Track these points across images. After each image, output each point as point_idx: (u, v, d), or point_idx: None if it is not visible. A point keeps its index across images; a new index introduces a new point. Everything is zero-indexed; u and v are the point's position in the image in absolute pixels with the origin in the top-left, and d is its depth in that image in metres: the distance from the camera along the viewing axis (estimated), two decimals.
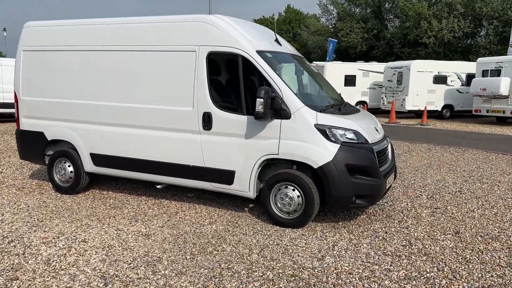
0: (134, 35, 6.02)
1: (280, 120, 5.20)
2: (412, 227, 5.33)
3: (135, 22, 6.06)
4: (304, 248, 4.64)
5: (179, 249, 4.59)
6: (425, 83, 20.20)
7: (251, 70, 5.35)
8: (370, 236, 5.01)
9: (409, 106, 20.17)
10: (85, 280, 3.90)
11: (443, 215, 5.81)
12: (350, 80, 23.10)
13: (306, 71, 6.47)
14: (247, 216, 5.70)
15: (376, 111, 22.86)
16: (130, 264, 4.23)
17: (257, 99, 4.96)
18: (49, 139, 6.72)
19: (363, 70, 23.32)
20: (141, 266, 4.18)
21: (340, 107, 5.81)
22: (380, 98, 22.19)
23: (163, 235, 5.01)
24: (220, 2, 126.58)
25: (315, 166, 5.07)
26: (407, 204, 6.30)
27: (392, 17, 42.84)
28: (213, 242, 4.80)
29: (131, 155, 6.13)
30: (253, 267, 4.17)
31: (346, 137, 5.15)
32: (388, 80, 21.41)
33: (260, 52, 5.36)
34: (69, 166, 6.67)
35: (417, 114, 20.96)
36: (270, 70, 5.24)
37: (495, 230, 5.25)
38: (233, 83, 5.59)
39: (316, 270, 4.12)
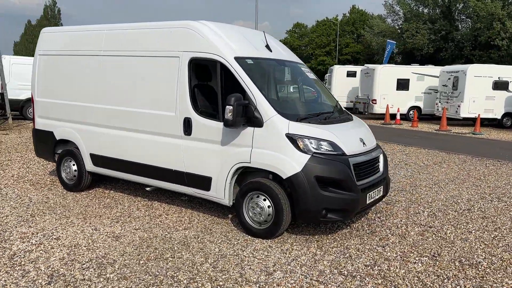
0: (126, 40, 6.22)
1: (253, 128, 5.10)
2: (389, 246, 4.99)
3: (127, 28, 6.26)
4: (260, 261, 4.51)
5: (138, 253, 4.66)
6: (483, 89, 18.76)
7: (228, 76, 5.30)
8: (338, 253, 4.76)
9: (464, 113, 18.86)
10: (33, 277, 4.09)
11: (433, 235, 5.37)
12: (403, 84, 22.09)
13: (298, 78, 6.29)
14: (226, 223, 5.66)
15: (432, 118, 21.73)
16: (83, 264, 4.37)
17: (226, 106, 4.91)
18: (57, 138, 7.12)
19: (418, 73, 22.18)
20: (92, 267, 4.30)
21: (329, 116, 5.58)
22: (435, 103, 20.98)
23: (132, 237, 5.11)
24: (286, 4, 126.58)
25: (284, 177, 4.91)
26: (401, 221, 5.90)
27: (464, 17, 40.45)
28: (176, 248, 4.81)
29: (123, 157, 6.33)
30: (197, 277, 4.13)
31: (319, 148, 4.94)
32: (443, 85, 20.18)
33: (238, 59, 5.29)
34: (73, 165, 7.02)
35: (474, 121, 19.56)
36: (245, 76, 5.16)
37: (481, 255, 4.77)
38: (212, 89, 5.58)
39: (257, 285, 3.99)
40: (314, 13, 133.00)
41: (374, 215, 6.13)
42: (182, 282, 4.03)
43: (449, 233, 5.48)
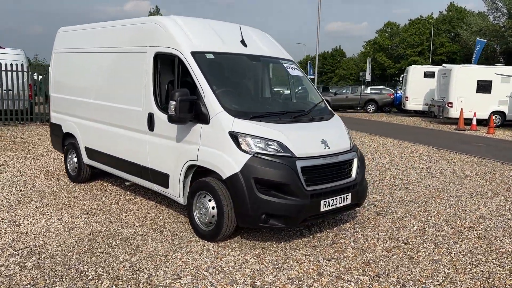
0: (106, 37, 6.39)
1: (201, 124, 4.90)
2: (336, 261, 4.45)
3: (109, 25, 6.40)
4: (182, 264, 4.29)
5: (73, 246, 4.70)
6: None
7: (185, 71, 5.15)
8: (272, 262, 4.35)
9: None
10: None
11: (401, 253, 4.70)
12: (484, 87, 19.92)
13: (275, 74, 5.92)
14: (185, 222, 5.50)
15: None
16: (15, 251, 4.52)
17: (170, 101, 4.77)
18: (64, 131, 7.54)
19: (502, 75, 19.83)
20: (20, 255, 4.42)
21: (293, 115, 5.16)
22: None
23: (84, 230, 5.19)
24: (387, 4, 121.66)
25: (224, 177, 4.63)
26: (377, 234, 5.26)
27: None
28: (113, 244, 4.78)
29: (106, 151, 6.50)
30: (104, 274, 4.04)
31: (264, 148, 4.57)
32: None
33: (196, 53, 5.11)
34: (75, 157, 7.38)
35: None
36: (198, 71, 4.96)
37: (438, 281, 4.02)
38: (172, 84, 5.46)
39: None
40: (409, 12, 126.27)
41: (352, 225, 5.54)
42: (86, 277, 3.97)
43: (423, 252, 4.74)
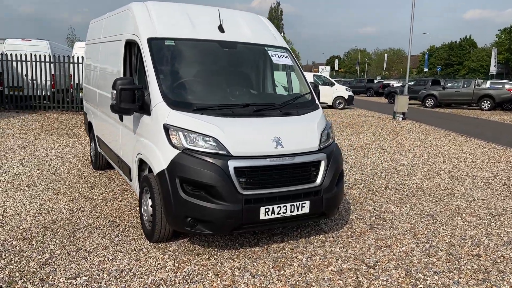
0: (103, 27, 6.40)
1: (146, 116, 4.59)
2: (232, 277, 3.77)
3: (112, 14, 6.38)
4: (93, 263, 4.04)
5: (21, 232, 4.76)
6: None
7: (142, 58, 4.87)
8: (175, 271, 3.87)
9: None
10: None
11: (315, 275, 3.81)
12: None
13: (250, 62, 5.32)
14: None
15: None
16: None
17: (112, 90, 4.54)
18: (88, 120, 7.86)
19: None
20: None
21: (257, 108, 4.55)
22: None
23: (51, 216, 5.26)
24: None
25: (154, 173, 4.26)
26: (317, 249, 4.38)
27: None
28: (58, 234, 4.73)
29: (104, 139, 6.58)
30: (14, 264, 3.98)
31: (196, 144, 4.08)
32: None
33: (153, 39, 4.79)
34: (93, 145, 7.65)
35: None
36: (149, 58, 4.63)
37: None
38: (134, 72, 5.22)
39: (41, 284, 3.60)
40: None
41: (326, 237, 4.72)
42: (1, 263, 3.95)
43: (381, 280, 3.78)
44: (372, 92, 41.04)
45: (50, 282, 3.65)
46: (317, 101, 5.13)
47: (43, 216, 5.25)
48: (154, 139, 4.33)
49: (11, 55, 15.25)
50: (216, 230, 4.05)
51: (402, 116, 17.96)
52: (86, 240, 4.55)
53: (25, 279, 3.69)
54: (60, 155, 8.66)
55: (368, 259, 4.24)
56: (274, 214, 4.12)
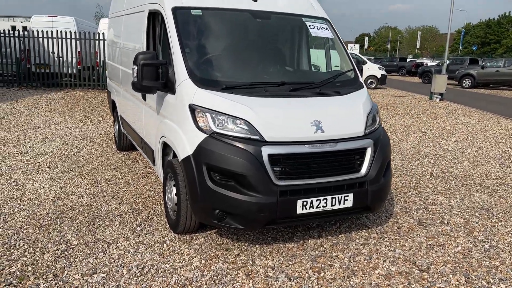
0: None
1: (171, 95, 4.13)
2: (266, 279, 3.32)
3: None
4: (112, 257, 3.67)
5: (38, 218, 4.44)
6: None
7: (166, 30, 4.39)
8: (200, 269, 3.45)
9: None
10: None
11: (360, 279, 3.31)
12: None
13: (287, 34, 4.76)
14: None
15: None
16: None
17: (133, 66, 4.09)
18: (111, 99, 7.49)
19: None
20: None
21: (294, 87, 4.02)
22: None
23: (70, 201, 4.93)
24: None
25: (179, 160, 3.82)
26: (360, 248, 3.87)
27: None
28: (77, 221, 4.39)
29: (126, 119, 6.20)
30: (28, 255, 3.65)
31: (225, 127, 3.61)
32: None
33: (178, 9, 4.29)
34: (117, 125, 7.29)
35: None
36: (174, 30, 4.15)
37: None
38: (158, 46, 4.75)
39: (56, 279, 3.25)
40: None
41: (370, 233, 4.22)
42: (10, 255, 3.62)
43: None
44: (404, 72, 39.56)
45: (64, 279, 3.29)
46: (361, 79, 4.55)
47: (62, 201, 4.92)
48: (179, 121, 3.88)
49: (37, 31, 15.06)
50: (247, 224, 3.60)
51: (439, 96, 17.02)
52: (106, 230, 4.19)
53: (37, 274, 3.34)
54: (84, 135, 8.37)
55: (420, 261, 3.72)
56: (313, 208, 3.63)
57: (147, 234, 4.12)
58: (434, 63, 36.23)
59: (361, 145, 3.86)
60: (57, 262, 3.54)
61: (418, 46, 75.28)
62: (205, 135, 3.60)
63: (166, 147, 4.38)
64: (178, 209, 3.93)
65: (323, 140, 3.70)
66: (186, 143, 3.70)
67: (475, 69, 25.68)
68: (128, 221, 4.40)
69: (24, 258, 3.58)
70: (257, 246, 3.92)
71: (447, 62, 19.38)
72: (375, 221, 4.57)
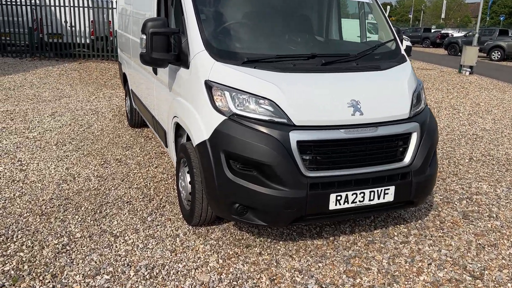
0: None
1: (184, 69, 3.61)
2: (292, 284, 2.86)
3: None
4: (118, 253, 3.25)
5: (40, 205, 4.05)
6: None
7: None
8: (218, 271, 3.00)
9: None
10: None
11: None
12: None
13: (314, 2, 4.15)
14: None
15: None
16: None
17: (141, 35, 3.57)
18: (123, 71, 7.00)
19: None
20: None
21: (326, 60, 3.45)
22: None
23: (76, 185, 4.52)
24: None
25: (194, 145, 3.33)
26: (400, 247, 3.37)
27: None
28: (82, 208, 3.99)
29: (138, 94, 5.74)
30: (26, 250, 3.26)
31: (248, 108, 3.09)
32: None
33: None
34: (128, 100, 6.83)
35: None
36: None
37: None
38: (170, 13, 4.20)
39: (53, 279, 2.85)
40: None
41: (410, 229, 3.72)
42: (6, 249, 3.24)
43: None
44: (428, 43, 38.03)
45: (63, 281, 2.88)
46: (403, 51, 3.95)
47: (68, 184, 4.52)
48: (193, 99, 3.37)
49: (50, 0, 14.53)
50: (271, 221, 3.12)
51: (469, 70, 16.08)
52: (114, 219, 3.78)
53: (34, 274, 2.95)
54: (95, 109, 7.94)
55: (470, 265, 3.22)
56: (348, 203, 3.12)
57: (158, 225, 3.69)
58: (460, 34, 34.64)
59: (406, 129, 3.31)
60: (57, 259, 3.14)
61: (443, 16, 72.37)
62: (223, 117, 3.09)
63: (179, 128, 3.90)
64: (192, 199, 3.47)
65: (361, 124, 3.16)
66: (202, 126, 3.20)
67: (505, 41, 24.37)
68: (138, 209, 3.98)
69: (21, 254, 3.19)
70: (281, 243, 3.45)
71: (477, 33, 18.24)
72: (413, 214, 4.05)
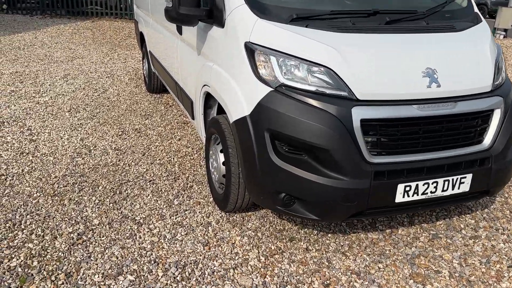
0: None
1: (217, 28, 3.02)
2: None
3: None
4: (143, 246, 2.80)
5: (53, 183, 3.60)
6: None
7: None
8: (259, 273, 2.53)
9: None
10: None
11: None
12: None
13: None
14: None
15: None
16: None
17: None
18: (139, 30, 6.39)
19: None
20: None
21: (390, 18, 2.81)
22: None
23: (93, 159, 4.06)
24: None
25: (230, 120, 2.79)
26: (471, 242, 2.85)
27: None
28: (100, 188, 3.53)
29: (158, 57, 5.16)
30: (36, 240, 2.82)
31: (298, 77, 2.51)
32: None
33: None
34: (146, 63, 6.26)
35: None
36: None
37: None
38: None
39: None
40: None
41: (477, 219, 3.18)
42: (12, 239, 2.80)
43: None
44: None
45: (79, 282, 2.44)
46: (475, 9, 3.27)
47: (83, 158, 4.05)
48: (230, 66, 2.79)
49: None
50: (324, 216, 2.61)
51: (503, 33, 14.99)
52: (136, 202, 3.31)
53: (45, 272, 2.51)
54: (110, 72, 7.39)
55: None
56: (418, 195, 2.59)
57: (186, 210, 3.22)
58: None
59: (489, 105, 2.71)
60: (72, 252, 2.69)
61: None
62: (268, 89, 2.52)
63: (209, 98, 3.35)
64: (227, 183, 2.97)
65: (438, 98, 2.57)
66: (241, 98, 2.64)
67: None
68: (163, 190, 3.50)
69: (30, 245, 2.75)
70: (329, 235, 2.96)
71: None
72: (477, 201, 3.50)
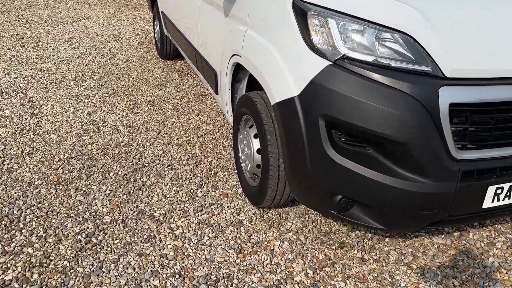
0: None
1: None
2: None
3: None
4: (164, 252, 2.32)
5: (56, 167, 3.11)
6: None
7: None
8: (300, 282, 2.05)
9: None
10: None
11: None
12: None
13: None
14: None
15: None
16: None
17: None
18: None
19: None
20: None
21: None
22: None
23: (102, 137, 3.55)
24: None
25: (271, 101, 2.23)
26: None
27: None
28: (110, 175, 3.04)
29: (172, 19, 4.54)
30: (51, 252, 2.36)
31: (364, 47, 1.93)
32: None
33: None
34: (158, 25, 5.64)
35: None
36: None
37: None
38: None
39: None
40: None
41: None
42: (15, 242, 2.34)
43: None
44: None
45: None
46: None
47: (91, 137, 3.54)
48: (271, 31, 2.21)
49: None
50: (393, 225, 2.09)
51: None
52: (153, 193, 2.82)
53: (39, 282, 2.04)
54: (118, 34, 6.77)
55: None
56: (509, 199, 2.04)
57: (212, 205, 2.72)
58: None
59: None
60: (79, 260, 2.22)
61: None
62: (325, 62, 1.95)
63: (238, 70, 2.78)
64: (263, 175, 2.44)
65: None
66: (287, 74, 2.07)
67: None
68: (184, 178, 3.00)
69: (29, 250, 2.28)
70: (387, 240, 2.45)
71: None
72: None
